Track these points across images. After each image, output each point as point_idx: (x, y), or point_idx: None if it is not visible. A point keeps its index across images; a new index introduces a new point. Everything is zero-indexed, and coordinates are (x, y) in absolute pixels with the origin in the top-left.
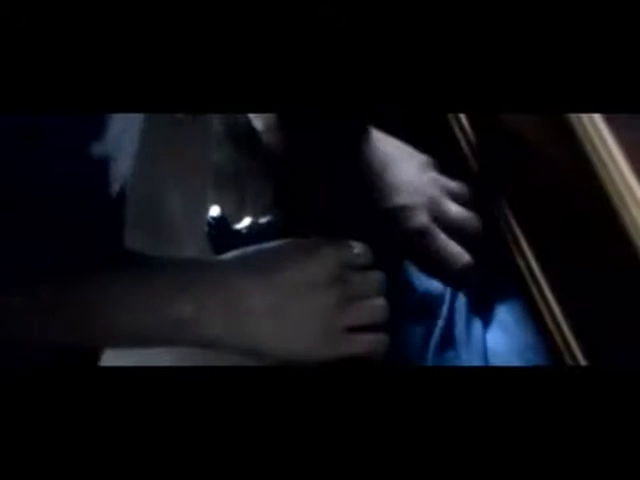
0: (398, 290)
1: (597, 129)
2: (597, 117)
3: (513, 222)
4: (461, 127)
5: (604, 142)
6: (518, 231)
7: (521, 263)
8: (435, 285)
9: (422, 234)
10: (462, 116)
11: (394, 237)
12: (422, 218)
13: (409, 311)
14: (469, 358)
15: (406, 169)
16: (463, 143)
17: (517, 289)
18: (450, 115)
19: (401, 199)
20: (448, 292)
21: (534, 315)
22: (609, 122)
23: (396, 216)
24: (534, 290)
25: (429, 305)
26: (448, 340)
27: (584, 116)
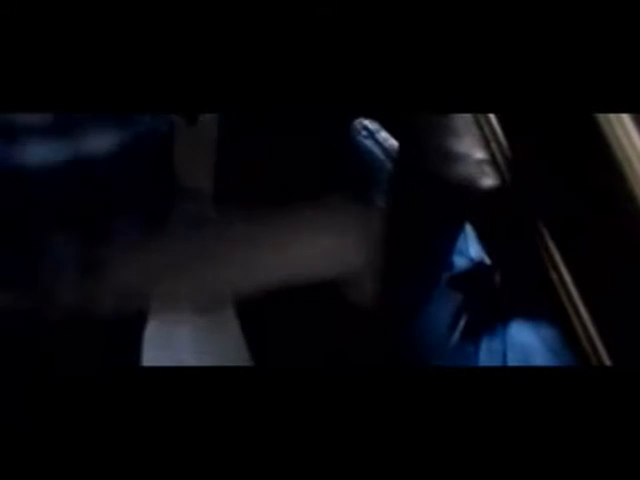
0: (435, 264)
1: (629, 136)
2: (629, 125)
3: (545, 232)
4: (496, 139)
5: (634, 147)
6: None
7: (553, 275)
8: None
9: None
10: (496, 127)
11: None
12: None
13: (442, 289)
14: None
15: None
16: (498, 155)
17: (547, 299)
18: (485, 127)
19: None
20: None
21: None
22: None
23: None
24: (566, 301)
25: (461, 287)
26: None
27: (616, 125)
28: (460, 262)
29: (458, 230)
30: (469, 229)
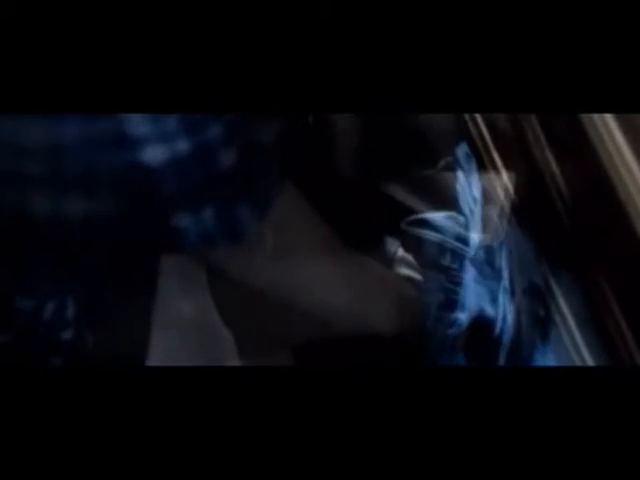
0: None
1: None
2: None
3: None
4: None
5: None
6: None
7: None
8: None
9: None
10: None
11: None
12: None
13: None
14: None
15: None
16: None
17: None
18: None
19: None
20: None
21: None
22: None
23: None
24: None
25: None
26: None
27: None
28: (462, 318)
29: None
30: (470, 274)
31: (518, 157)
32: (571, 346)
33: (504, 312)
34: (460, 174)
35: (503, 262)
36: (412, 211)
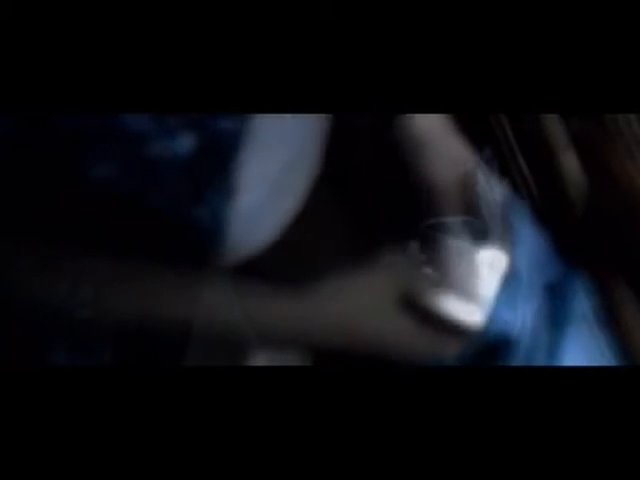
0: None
1: None
2: None
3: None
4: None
5: None
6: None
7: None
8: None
9: None
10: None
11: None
12: None
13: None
14: None
15: None
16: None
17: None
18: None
19: None
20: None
21: None
22: None
23: None
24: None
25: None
26: None
27: None
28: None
29: None
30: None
31: (541, 159)
32: (588, 347)
33: (524, 316)
34: (482, 177)
35: (523, 266)
36: (431, 215)
